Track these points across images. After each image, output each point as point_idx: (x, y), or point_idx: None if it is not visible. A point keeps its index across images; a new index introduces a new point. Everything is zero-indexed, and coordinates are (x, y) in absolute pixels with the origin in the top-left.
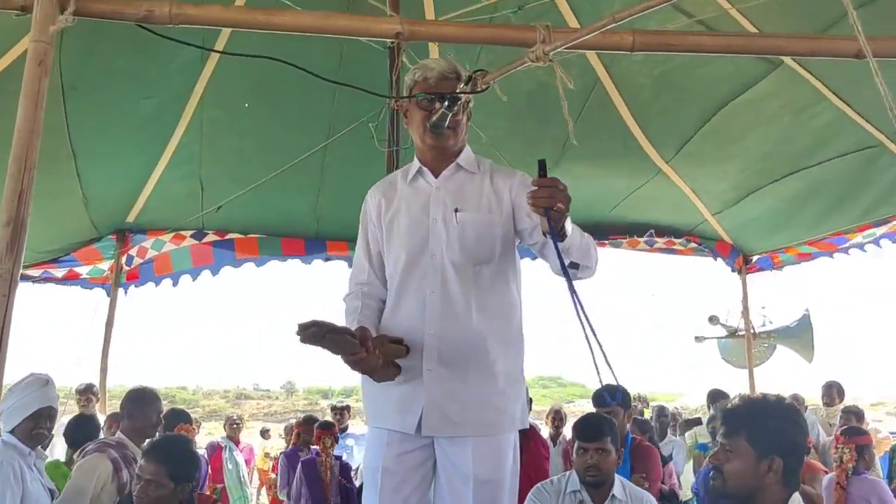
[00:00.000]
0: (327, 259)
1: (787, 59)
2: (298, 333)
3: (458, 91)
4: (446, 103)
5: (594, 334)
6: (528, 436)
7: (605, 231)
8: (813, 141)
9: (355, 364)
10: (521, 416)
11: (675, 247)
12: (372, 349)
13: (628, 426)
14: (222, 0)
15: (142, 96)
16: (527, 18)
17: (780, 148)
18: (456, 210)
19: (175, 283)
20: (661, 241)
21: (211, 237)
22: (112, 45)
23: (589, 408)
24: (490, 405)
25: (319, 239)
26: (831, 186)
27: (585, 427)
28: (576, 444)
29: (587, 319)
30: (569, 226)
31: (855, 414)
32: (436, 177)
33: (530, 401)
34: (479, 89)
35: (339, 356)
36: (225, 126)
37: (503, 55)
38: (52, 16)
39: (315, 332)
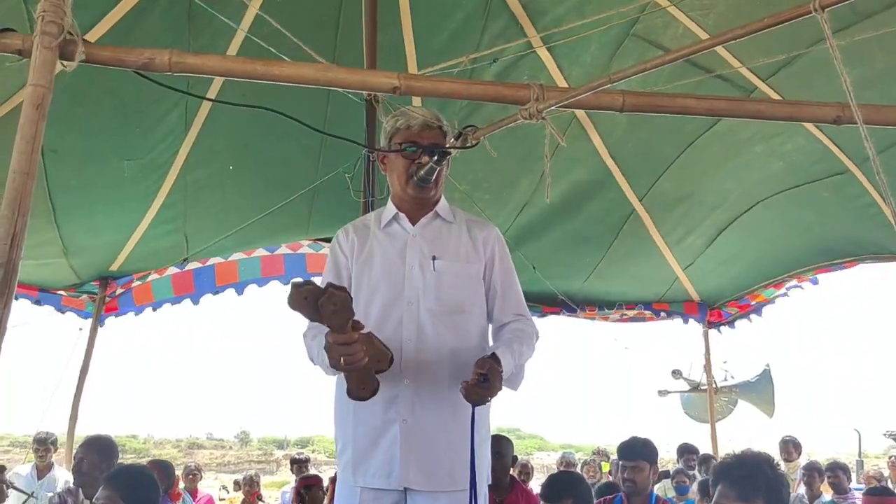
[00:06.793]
0: (311, 277)
1: (761, 86)
2: (292, 293)
3: (447, 146)
4: (435, 157)
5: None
6: (515, 485)
7: (577, 303)
8: (783, 166)
9: (342, 347)
10: (489, 471)
11: (644, 316)
12: (360, 339)
13: (652, 482)
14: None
15: (123, 157)
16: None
17: (749, 176)
18: (434, 258)
19: (155, 311)
20: (630, 314)
21: (192, 265)
22: (91, 108)
23: (548, 461)
24: (465, 460)
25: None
26: (799, 216)
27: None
28: None
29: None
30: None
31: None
32: (413, 224)
33: (515, 458)
34: (468, 145)
35: (332, 327)
36: (210, 187)
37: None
38: (52, 61)
39: (312, 289)
